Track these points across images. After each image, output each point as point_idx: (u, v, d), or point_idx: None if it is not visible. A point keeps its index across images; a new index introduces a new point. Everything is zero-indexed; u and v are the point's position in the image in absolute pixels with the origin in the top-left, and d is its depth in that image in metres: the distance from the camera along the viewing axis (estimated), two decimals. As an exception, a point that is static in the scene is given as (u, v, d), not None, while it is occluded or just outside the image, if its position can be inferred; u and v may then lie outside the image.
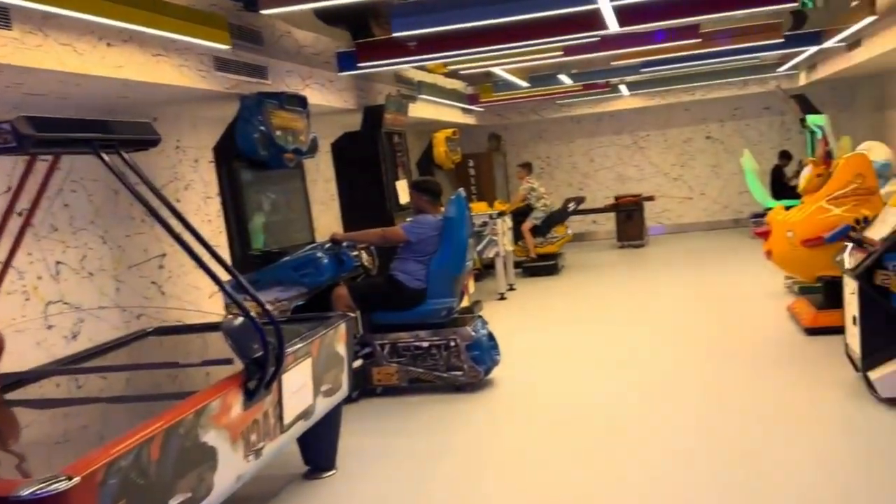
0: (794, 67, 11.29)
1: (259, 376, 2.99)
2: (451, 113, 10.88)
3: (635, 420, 4.57)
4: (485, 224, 8.80)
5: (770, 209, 11.41)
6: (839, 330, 5.69)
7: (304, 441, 3.94)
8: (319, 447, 4.04)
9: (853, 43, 8.25)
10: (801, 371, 5.13)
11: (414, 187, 5.84)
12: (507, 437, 4.62)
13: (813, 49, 8.49)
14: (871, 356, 4.32)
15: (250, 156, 4.92)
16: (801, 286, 7.17)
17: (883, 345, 4.28)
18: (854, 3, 6.86)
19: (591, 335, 6.88)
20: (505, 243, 9.08)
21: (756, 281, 8.37)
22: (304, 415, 3.57)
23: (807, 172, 6.19)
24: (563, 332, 7.14)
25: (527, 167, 10.92)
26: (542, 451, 4.25)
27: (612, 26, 5.58)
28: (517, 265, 10.55)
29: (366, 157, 6.78)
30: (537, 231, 10.61)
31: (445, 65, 8.44)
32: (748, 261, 9.77)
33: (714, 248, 11.39)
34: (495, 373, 5.66)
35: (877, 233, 4.46)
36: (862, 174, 5.80)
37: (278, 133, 4.95)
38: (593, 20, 5.58)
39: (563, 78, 8.99)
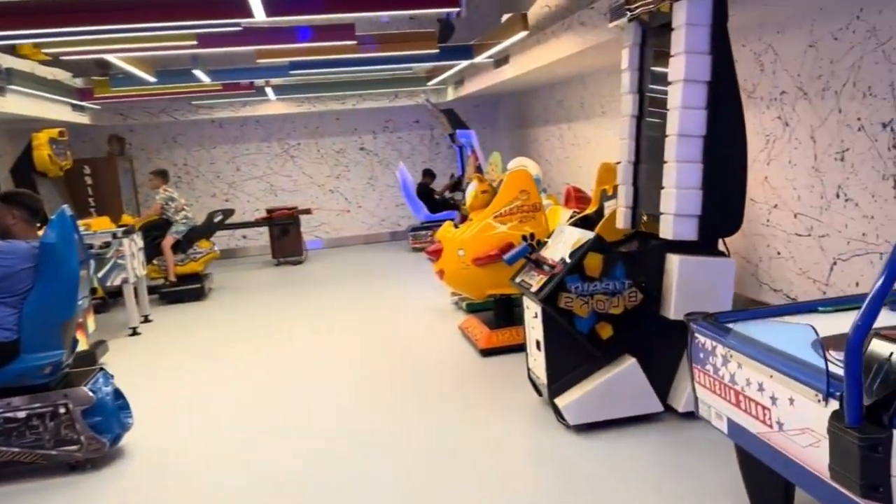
0: (443, 82, 11.70)
1: None
2: (56, 109, 9.14)
3: (313, 484, 3.86)
4: (107, 244, 7.40)
5: (427, 224, 11.82)
6: (514, 349, 5.72)
7: None
8: None
9: (501, 59, 8.62)
10: (487, 398, 4.91)
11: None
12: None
13: (464, 63, 8.69)
14: (558, 382, 4.19)
15: None
16: (468, 304, 7.17)
17: (569, 370, 4.18)
18: (506, 18, 7.05)
19: (248, 372, 6.03)
20: (135, 266, 7.75)
21: (423, 297, 8.27)
22: None
23: (472, 189, 6.13)
24: (213, 372, 6.16)
25: (161, 175, 9.62)
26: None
27: (259, 15, 4.84)
28: (153, 290, 9.21)
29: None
30: (178, 247, 9.40)
31: (38, 46, 6.82)
32: (411, 276, 9.74)
33: (376, 262, 11.26)
34: (126, 440, 4.53)
35: (555, 253, 4.37)
36: (526, 190, 5.86)
37: None
38: (234, 5, 4.80)
39: (200, 74, 7.96)
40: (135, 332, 7.60)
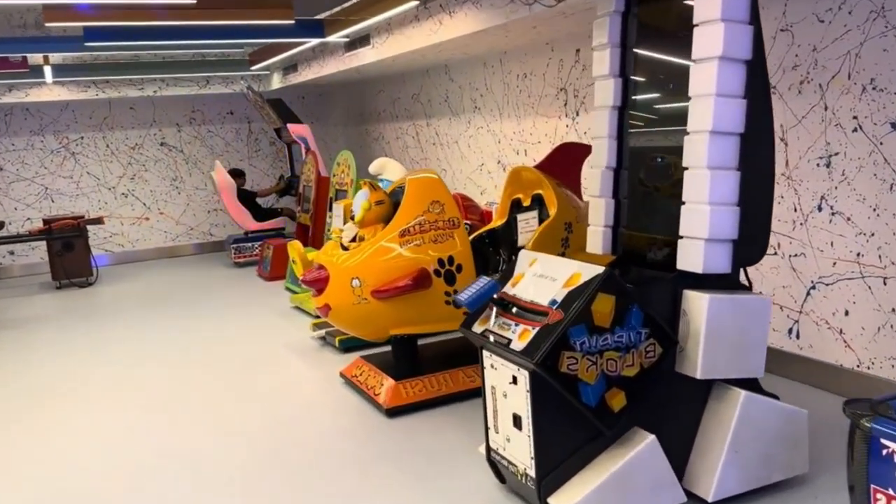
0: (268, 67, 10.22)
1: None
2: None
3: None
4: None
5: (251, 233, 10.26)
6: (426, 405, 4.61)
7: None
8: None
9: (359, 39, 7.41)
10: (413, 486, 3.72)
11: None
12: None
13: (314, 41, 7.37)
14: (551, 474, 3.13)
15: None
16: (342, 339, 5.92)
17: (565, 455, 3.14)
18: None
19: (11, 473, 4.35)
20: None
21: (270, 328, 6.85)
22: None
23: (363, 199, 4.89)
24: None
25: None
26: None
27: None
28: None
29: None
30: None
31: None
32: (245, 298, 8.21)
33: (192, 281, 9.51)
34: None
35: (532, 292, 3.30)
36: (439, 201, 4.75)
37: None
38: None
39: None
40: None
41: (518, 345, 3.10)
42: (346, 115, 11.27)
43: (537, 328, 3.08)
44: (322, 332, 6.32)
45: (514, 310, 3.32)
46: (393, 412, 4.61)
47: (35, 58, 8.44)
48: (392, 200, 4.96)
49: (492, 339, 3.28)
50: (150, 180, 11.39)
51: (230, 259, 10.13)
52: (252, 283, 9.07)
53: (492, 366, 3.40)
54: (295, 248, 6.97)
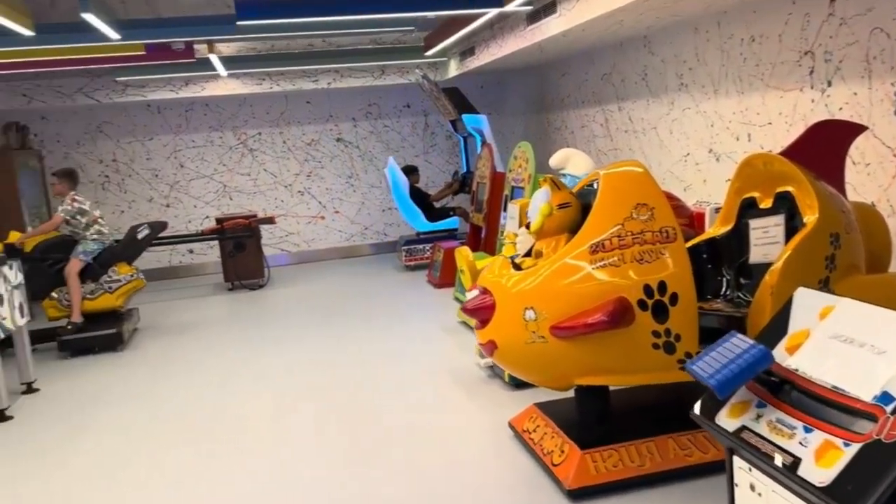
0: (444, 52, 9.14)
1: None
2: None
3: None
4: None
5: (426, 235, 9.24)
6: (624, 486, 3.24)
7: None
8: None
9: (545, 7, 6.07)
10: None
11: None
12: None
13: (493, 11, 6.11)
14: None
15: None
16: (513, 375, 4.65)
17: None
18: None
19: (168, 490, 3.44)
20: (4, 317, 5.09)
21: (430, 345, 5.74)
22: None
23: (541, 202, 3.57)
24: (112, 488, 3.57)
25: (68, 177, 6.91)
26: None
27: None
28: (51, 336, 6.59)
29: None
30: (88, 273, 6.75)
31: None
32: (409, 307, 7.19)
33: (360, 286, 8.65)
34: None
35: (842, 374, 1.83)
36: (646, 204, 3.32)
37: None
38: None
39: (97, 23, 5.20)
40: (2, 417, 4.94)
41: (818, 473, 1.66)
42: (526, 102, 9.96)
43: (856, 444, 1.62)
44: (490, 360, 5.07)
45: (795, 395, 1.87)
46: (577, 494, 3.26)
47: (200, 47, 7.85)
48: (580, 202, 3.61)
49: (758, 446, 1.85)
50: (326, 178, 10.70)
51: (401, 262, 9.17)
52: (421, 289, 8.03)
53: (752, 487, 1.97)
54: (462, 255, 5.79)
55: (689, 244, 3.74)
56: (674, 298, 3.23)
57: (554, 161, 6.05)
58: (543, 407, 3.86)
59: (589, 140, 7.97)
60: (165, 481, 3.88)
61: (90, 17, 4.89)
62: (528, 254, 3.70)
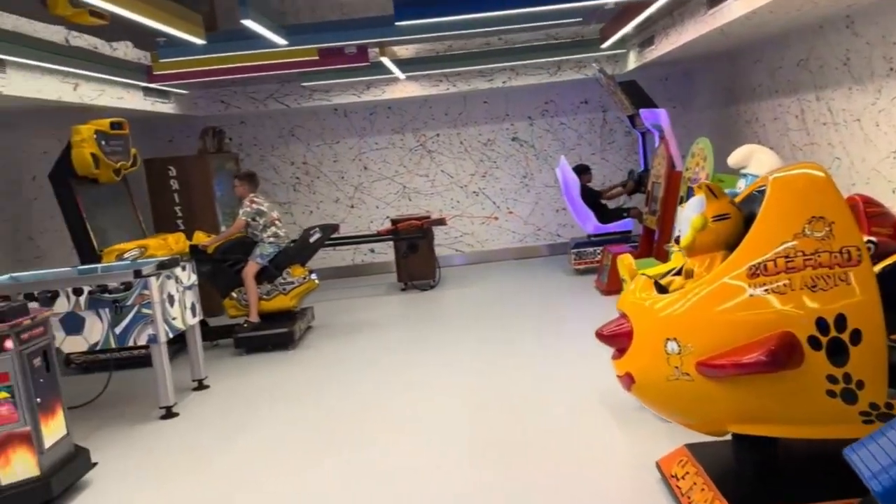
0: (622, 44, 8.49)
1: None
2: (119, 95, 7.04)
3: None
4: (127, 286, 4.98)
5: (596, 238, 8.67)
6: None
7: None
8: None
9: (723, -11, 5.35)
10: None
11: None
12: None
13: (663, -2, 5.48)
14: None
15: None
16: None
17: None
18: None
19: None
20: (175, 315, 5.30)
21: (588, 366, 5.23)
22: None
23: (694, 212, 3.00)
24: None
25: (249, 179, 7.19)
26: None
27: None
28: (228, 333, 6.87)
29: None
30: (264, 275, 6.95)
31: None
32: (570, 316, 6.72)
33: (525, 290, 8.29)
34: None
35: None
36: (824, 218, 2.67)
37: None
38: None
39: (262, 31, 5.27)
40: (168, 414, 5.15)
41: None
42: (713, 94, 9.03)
43: None
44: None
45: None
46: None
47: (372, 51, 7.84)
48: (743, 213, 3.00)
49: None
50: (501, 178, 10.43)
51: (570, 265, 8.67)
52: (588, 295, 7.51)
53: None
54: (624, 263, 5.23)
55: (887, 263, 3.01)
56: (856, 336, 2.56)
57: (734, 159, 5.33)
58: (696, 450, 3.29)
59: (782, 134, 7.02)
60: (315, 481, 3.81)
61: (250, 24, 4.93)
62: (676, 274, 3.15)
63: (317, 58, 7.05)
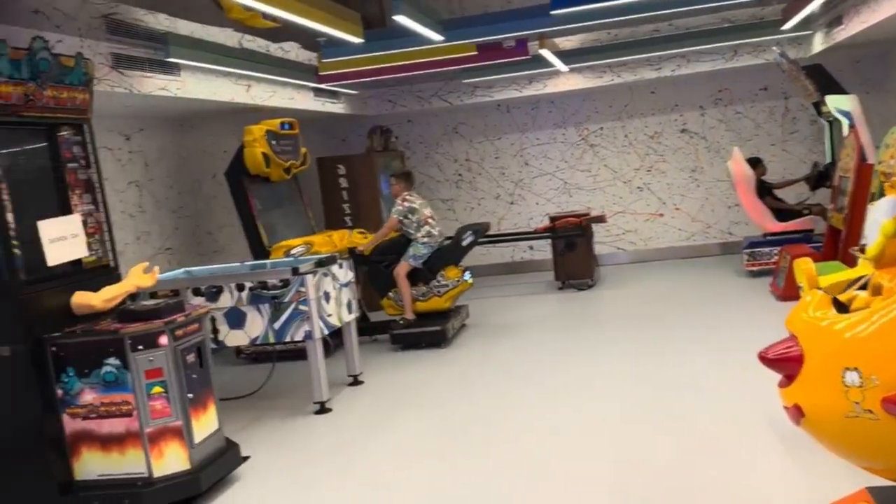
0: (806, 24, 7.63)
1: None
2: (290, 95, 7.30)
3: None
4: (285, 283, 5.09)
5: (773, 238, 7.86)
6: None
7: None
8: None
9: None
10: None
11: None
12: None
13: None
14: None
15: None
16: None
17: None
18: None
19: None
20: (330, 313, 5.36)
21: (757, 386, 4.63)
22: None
23: (885, 216, 2.51)
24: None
25: (405, 178, 7.20)
26: None
27: None
28: (385, 329, 6.92)
29: None
30: (417, 276, 6.93)
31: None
32: (742, 327, 6.10)
33: (690, 293, 7.72)
34: None
35: None
36: None
37: None
38: None
39: (419, 29, 5.19)
40: (322, 409, 5.22)
41: None
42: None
43: None
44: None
45: None
46: None
47: (532, 44, 7.56)
48: (948, 220, 2.47)
49: None
50: (668, 172, 9.81)
51: (743, 266, 7.94)
52: (761, 301, 6.81)
53: None
54: (802, 267, 4.60)
55: None
56: None
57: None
58: (879, 494, 2.77)
59: None
60: (454, 483, 3.72)
61: (402, 19, 4.86)
62: (861, 288, 2.66)
63: (475, 53, 6.92)
